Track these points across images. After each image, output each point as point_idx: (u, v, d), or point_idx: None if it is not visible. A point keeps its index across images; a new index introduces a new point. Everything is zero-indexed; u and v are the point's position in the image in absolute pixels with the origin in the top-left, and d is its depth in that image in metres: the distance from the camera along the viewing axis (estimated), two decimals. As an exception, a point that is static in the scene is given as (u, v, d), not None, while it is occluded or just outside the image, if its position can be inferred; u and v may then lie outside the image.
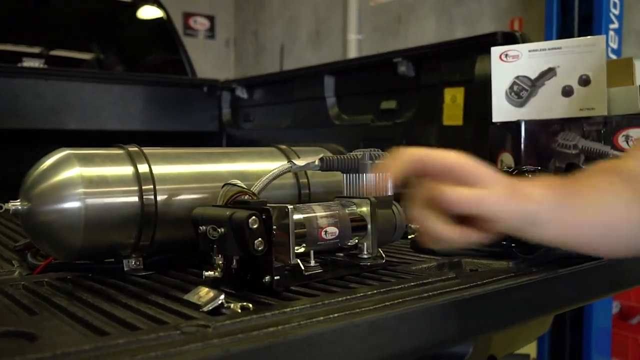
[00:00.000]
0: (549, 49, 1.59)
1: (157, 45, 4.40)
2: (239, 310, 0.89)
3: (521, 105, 1.61)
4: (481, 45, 2.32)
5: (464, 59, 2.35)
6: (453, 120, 2.48)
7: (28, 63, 3.70)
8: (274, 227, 1.04)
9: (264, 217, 0.99)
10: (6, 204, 1.09)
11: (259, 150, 1.42)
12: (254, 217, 0.96)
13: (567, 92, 1.57)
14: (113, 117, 3.50)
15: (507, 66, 1.63)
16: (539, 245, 1.19)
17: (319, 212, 1.13)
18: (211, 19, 11.97)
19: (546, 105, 1.59)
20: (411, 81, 2.68)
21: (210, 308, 0.89)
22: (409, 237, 1.44)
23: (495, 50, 1.65)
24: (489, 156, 1.85)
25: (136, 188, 1.16)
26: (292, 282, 1.05)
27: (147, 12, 4.29)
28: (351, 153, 1.25)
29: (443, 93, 2.52)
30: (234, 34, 12.10)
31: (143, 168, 1.18)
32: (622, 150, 1.57)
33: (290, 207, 1.07)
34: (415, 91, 2.68)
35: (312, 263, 1.10)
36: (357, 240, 1.19)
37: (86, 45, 4.31)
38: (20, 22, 3.97)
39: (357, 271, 1.15)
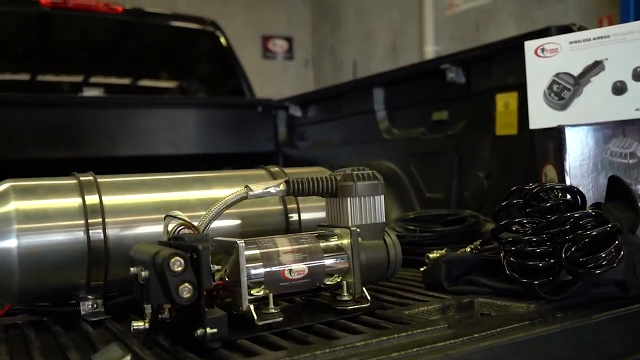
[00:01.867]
0: (594, 39, 1.31)
1: (216, 68, 4.37)
2: (146, 379, 0.71)
3: (563, 107, 1.34)
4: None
5: (516, 60, 2.08)
6: (506, 129, 2.20)
7: (88, 92, 3.76)
8: (222, 269, 0.86)
9: (194, 256, 0.81)
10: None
11: (242, 175, 1.25)
12: (176, 257, 0.78)
13: (619, 89, 1.28)
14: (167, 142, 3.47)
15: (544, 62, 1.36)
16: (570, 282, 0.93)
17: (282, 247, 0.94)
18: (289, 40, 12.06)
19: (594, 106, 1.31)
20: (462, 88, 2.42)
21: (108, 377, 0.72)
22: (421, 269, 1.21)
23: (530, 45, 1.39)
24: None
25: (82, 222, 1.02)
26: (239, 334, 0.86)
27: (207, 38, 4.27)
28: (332, 173, 1.05)
29: (495, 99, 2.25)
30: (312, 53, 12.12)
31: (92, 199, 1.04)
32: (695, 156, 1.26)
33: (240, 242, 0.89)
34: (467, 99, 2.43)
35: (272, 309, 0.90)
36: (338, 279, 0.99)
37: (147, 72, 4.35)
38: (80, 51, 4.06)
39: (332, 317, 0.94)
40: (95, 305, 1.07)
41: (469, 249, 1.16)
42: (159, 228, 1.03)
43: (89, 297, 1.07)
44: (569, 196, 1.01)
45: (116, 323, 1.01)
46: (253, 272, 0.90)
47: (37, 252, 0.98)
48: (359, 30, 10.94)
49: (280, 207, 1.20)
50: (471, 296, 1.04)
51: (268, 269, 0.91)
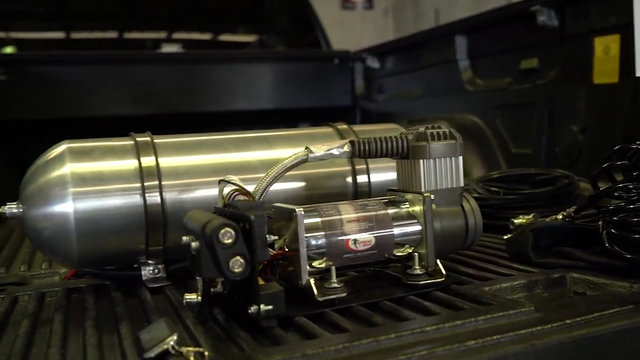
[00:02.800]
0: None
1: (292, 21, 4.26)
2: (191, 358, 0.65)
3: (679, 51, 1.15)
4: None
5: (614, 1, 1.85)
6: (606, 77, 1.98)
7: (166, 48, 3.77)
8: (282, 238, 0.79)
9: (246, 227, 0.73)
10: (2, 207, 0.96)
11: (308, 133, 1.16)
12: (226, 228, 0.71)
13: None
14: (244, 98, 3.44)
15: (657, -2, 1.17)
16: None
17: (346, 215, 0.85)
18: (369, -12, 11.71)
19: None
20: (554, 33, 2.20)
21: (153, 355, 0.66)
22: (505, 237, 1.08)
23: (639, -22, 1.19)
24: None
25: (138, 185, 0.97)
26: (298, 311, 0.79)
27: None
28: (403, 132, 0.93)
29: (593, 44, 2.02)
30: (392, 2, 11.72)
31: (148, 161, 0.99)
32: None
33: (298, 209, 0.81)
34: (560, 45, 2.20)
35: (334, 283, 0.82)
36: (410, 250, 0.89)
37: (224, 27, 4.30)
38: (156, 7, 4.06)
39: (401, 293, 0.85)
40: (156, 271, 1.03)
41: (560, 216, 1.02)
42: (216, 191, 0.97)
43: (150, 262, 1.03)
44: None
45: (175, 291, 0.97)
46: (313, 242, 0.82)
47: (93, 216, 0.94)
48: (442, -25, 10.43)
49: (348, 168, 1.10)
50: (562, 271, 0.91)
51: (330, 239, 0.82)
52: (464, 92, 2.72)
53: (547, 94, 2.24)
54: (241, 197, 0.82)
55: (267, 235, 0.78)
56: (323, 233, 0.82)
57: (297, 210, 0.80)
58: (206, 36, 4.35)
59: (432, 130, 0.90)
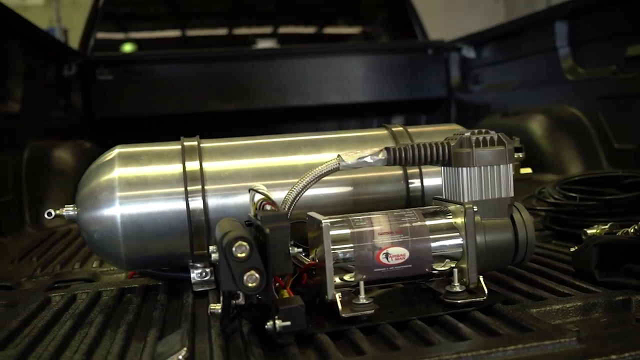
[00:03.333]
0: None
1: (386, 11, 4.18)
2: (195, 378, 0.65)
3: None
4: None
5: None
6: None
7: (262, 44, 3.83)
8: (310, 252, 0.76)
9: (259, 241, 0.71)
10: (59, 210, 1.01)
11: (360, 135, 1.11)
12: (240, 242, 0.69)
13: None
14: (335, 91, 3.43)
15: None
16: None
17: (378, 226, 0.80)
18: (478, -29, 11.26)
19: None
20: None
21: (159, 370, 0.66)
22: (572, 249, 0.98)
23: None
24: None
25: (181, 189, 0.98)
26: (321, 327, 0.76)
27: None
28: (446, 138, 0.87)
29: None
30: (503, -14, 11.19)
31: (193, 166, 1.00)
32: None
33: (325, 220, 0.77)
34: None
35: (362, 299, 0.78)
36: (452, 265, 0.83)
37: (316, 20, 4.31)
38: (255, 4, 4.14)
39: (436, 312, 0.79)
40: (204, 274, 1.04)
41: (632, 230, 0.91)
42: (260, 195, 0.95)
43: (197, 265, 1.04)
44: None
45: (217, 296, 0.97)
46: (342, 255, 0.78)
47: (138, 219, 0.96)
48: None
49: (400, 171, 1.05)
50: (628, 292, 0.81)
51: (359, 252, 0.78)
52: (563, 82, 2.54)
53: (656, 84, 2.04)
54: (268, 207, 0.80)
55: (291, 247, 0.76)
56: (352, 245, 0.78)
57: (323, 221, 0.77)
58: (301, 30, 4.38)
59: (478, 136, 0.83)
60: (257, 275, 0.70)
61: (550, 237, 1.23)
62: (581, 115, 2.39)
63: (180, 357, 0.66)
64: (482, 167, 0.82)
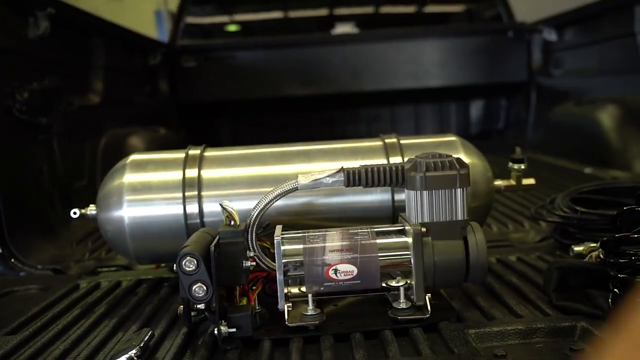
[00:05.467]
0: None
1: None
2: (138, 375, 0.75)
3: None
4: None
5: None
6: None
7: (340, 27, 3.87)
8: (262, 262, 0.85)
9: (207, 255, 0.80)
10: (84, 209, 1.15)
11: (351, 146, 1.15)
12: (188, 257, 0.79)
13: None
14: (409, 76, 3.44)
15: None
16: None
17: (330, 242, 0.86)
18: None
19: None
20: None
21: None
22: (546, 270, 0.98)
23: None
24: None
25: (179, 195, 1.08)
26: (267, 334, 0.84)
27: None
28: (404, 160, 0.90)
29: None
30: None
31: (192, 173, 1.10)
32: None
33: (278, 237, 0.85)
34: None
35: (310, 311, 0.85)
36: (406, 281, 0.87)
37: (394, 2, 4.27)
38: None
39: (379, 327, 0.84)
40: (203, 270, 1.15)
41: (595, 255, 0.90)
42: (252, 202, 1.04)
43: (199, 262, 1.14)
44: None
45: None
46: (292, 269, 0.85)
47: (141, 221, 1.08)
48: None
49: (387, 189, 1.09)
50: (574, 319, 0.81)
51: (309, 267, 0.85)
52: (640, 70, 2.38)
53: None
54: (231, 222, 0.89)
55: (244, 261, 0.84)
56: (302, 260, 0.85)
57: (275, 238, 0.84)
58: (380, 11, 4.35)
59: (431, 160, 0.86)
60: (204, 286, 0.79)
61: (558, 247, 1.22)
62: (657, 107, 2.25)
63: (131, 353, 0.77)
64: (434, 191, 0.85)
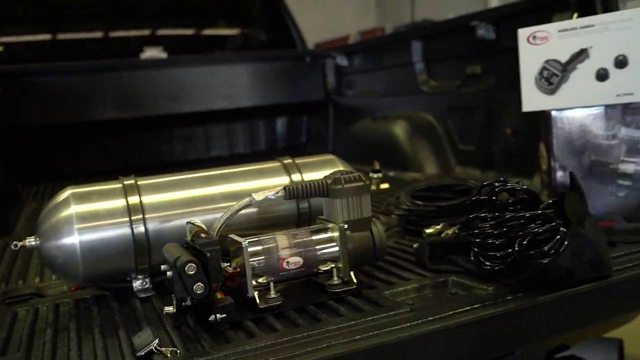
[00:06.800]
0: (580, 28, 1.39)
1: (267, 20, 4.49)
2: (168, 355, 0.97)
3: (552, 92, 1.45)
4: (554, 2, 2.09)
5: (540, 19, 2.13)
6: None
7: (148, 51, 4.01)
8: (229, 263, 1.10)
9: (204, 260, 1.04)
10: (22, 241, 1.26)
11: (260, 168, 1.45)
12: (190, 263, 1.02)
13: (601, 76, 1.38)
14: (222, 97, 3.70)
15: (536, 49, 1.46)
16: (523, 268, 1.10)
17: (281, 242, 1.16)
18: (349, -36, 11.84)
19: (579, 91, 1.41)
20: (492, 44, 2.49)
21: (142, 354, 0.98)
22: (414, 246, 1.40)
23: (523, 32, 1.49)
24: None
25: (126, 219, 1.27)
26: (245, 316, 1.10)
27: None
28: (323, 177, 1.24)
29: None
30: (372, -23, 11.87)
31: (134, 200, 1.29)
32: (675, 137, 1.36)
33: (245, 242, 1.12)
34: (496, 55, 2.49)
35: (272, 294, 1.13)
36: (332, 265, 1.20)
37: (203, 27, 4.53)
38: (139, 9, 4.30)
39: (323, 299, 1.16)
40: (144, 283, 1.34)
41: (451, 231, 1.34)
42: (188, 218, 1.27)
43: (139, 276, 1.33)
44: (526, 195, 1.16)
45: (158, 299, 1.28)
46: (256, 265, 1.13)
47: (94, 245, 1.24)
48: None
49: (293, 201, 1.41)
50: (446, 275, 1.23)
51: (269, 262, 1.13)
52: (419, 92, 3.01)
53: (486, 99, 2.54)
54: (202, 235, 1.13)
55: (222, 264, 1.09)
56: (263, 257, 1.13)
57: (243, 243, 1.11)
58: (186, 36, 4.57)
59: (346, 176, 1.21)
60: (202, 284, 1.03)
61: (405, 233, 1.65)
62: (434, 121, 2.87)
63: (155, 343, 0.98)
64: (349, 198, 1.20)
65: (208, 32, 4.55)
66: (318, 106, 3.94)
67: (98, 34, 4.27)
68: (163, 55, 3.99)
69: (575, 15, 2.00)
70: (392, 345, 0.95)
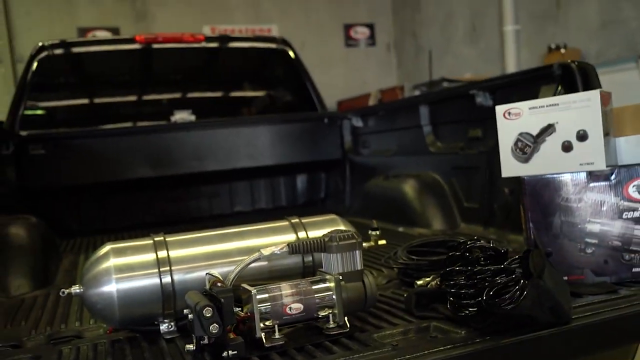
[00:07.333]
0: (547, 106, 1.62)
1: (288, 83, 4.82)
2: (188, 384, 1.18)
3: (526, 160, 1.66)
4: (542, 76, 2.32)
5: (529, 89, 2.36)
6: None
7: (178, 114, 4.34)
8: (241, 308, 1.32)
9: (219, 305, 1.26)
10: (68, 289, 1.49)
11: (271, 227, 1.68)
12: (207, 307, 1.24)
13: (566, 147, 1.59)
14: (245, 156, 3.98)
15: (511, 123, 1.68)
16: (491, 314, 1.29)
17: (285, 291, 1.37)
18: (371, 26, 12.34)
19: (548, 160, 1.62)
20: (490, 110, 2.71)
21: (167, 384, 1.19)
22: (405, 295, 1.59)
23: (500, 109, 1.71)
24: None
25: (156, 271, 1.50)
26: (252, 354, 1.31)
27: (278, 55, 4.69)
28: (322, 235, 1.46)
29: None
30: (394, 37, 12.33)
31: (162, 254, 1.52)
32: (633, 200, 1.55)
33: (254, 290, 1.33)
34: (495, 120, 2.71)
35: (277, 335, 1.34)
36: (329, 311, 1.40)
37: (229, 91, 4.87)
38: (170, 78, 4.66)
39: (320, 340, 1.36)
40: (170, 326, 1.56)
41: (434, 283, 1.53)
42: (210, 270, 1.49)
43: (165, 320, 1.55)
44: (493, 252, 1.37)
45: (182, 340, 1.49)
46: (263, 310, 1.34)
47: (129, 293, 1.47)
48: (439, 12, 11.02)
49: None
50: (429, 321, 1.42)
51: (274, 308, 1.34)
52: (427, 153, 3.24)
53: (487, 160, 2.75)
54: (219, 284, 1.35)
55: (234, 309, 1.31)
56: (269, 304, 1.34)
57: (252, 291, 1.33)
58: (213, 99, 4.90)
59: (340, 234, 1.42)
60: (217, 325, 1.24)
61: (402, 284, 1.84)
62: (441, 180, 3.09)
63: (177, 375, 1.19)
64: (344, 253, 1.41)
65: (233, 94, 4.88)
66: (336, 164, 4.18)
67: (132, 98, 4.63)
68: (191, 118, 4.32)
69: (560, 87, 2.23)
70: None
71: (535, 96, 2.28)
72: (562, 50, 8.10)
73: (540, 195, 1.62)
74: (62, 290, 1.49)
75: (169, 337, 1.53)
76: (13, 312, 1.99)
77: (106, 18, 10.27)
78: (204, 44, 4.48)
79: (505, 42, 8.69)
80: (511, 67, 8.20)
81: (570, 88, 2.15)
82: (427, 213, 3.05)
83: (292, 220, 1.69)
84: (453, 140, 3.09)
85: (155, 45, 4.37)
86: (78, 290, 1.49)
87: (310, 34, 11.43)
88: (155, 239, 1.57)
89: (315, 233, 1.65)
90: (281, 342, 1.33)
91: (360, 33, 12.45)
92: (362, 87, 10.90)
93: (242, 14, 11.11)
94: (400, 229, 3.00)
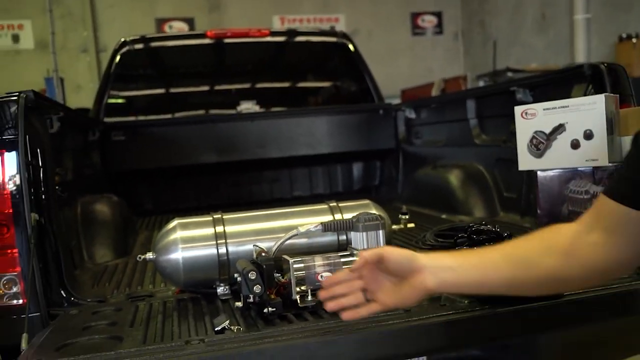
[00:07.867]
0: (559, 107, 1.80)
1: (348, 77, 5.05)
2: (235, 330, 1.48)
3: (540, 156, 1.85)
4: (575, 75, 2.46)
5: (565, 87, 2.51)
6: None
7: (244, 104, 4.67)
8: (282, 275, 1.61)
9: (262, 270, 1.55)
10: (144, 255, 1.83)
11: (311, 209, 1.96)
12: (252, 271, 1.53)
13: (574, 145, 1.77)
14: (305, 145, 4.25)
15: (527, 122, 1.88)
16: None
17: (317, 262, 1.64)
18: (438, 15, 12.34)
19: (559, 156, 1.81)
20: (530, 106, 2.87)
21: (218, 328, 1.49)
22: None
23: (518, 109, 1.91)
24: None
25: (214, 243, 1.81)
26: (288, 311, 1.59)
27: (341, 51, 4.92)
28: (352, 217, 1.72)
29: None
30: (461, 26, 12.28)
31: (220, 229, 1.83)
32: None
33: (291, 260, 1.61)
34: (533, 115, 2.87)
35: (309, 298, 1.62)
36: (355, 280, 1.66)
37: (291, 83, 5.16)
38: (238, 71, 5.00)
39: (346, 304, 1.63)
40: (224, 289, 1.86)
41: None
42: (260, 244, 1.78)
43: (221, 284, 1.86)
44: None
45: (233, 301, 1.79)
46: (298, 277, 1.62)
47: (192, 260, 1.79)
48: (508, 1, 10.88)
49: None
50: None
51: (308, 275, 1.62)
52: (473, 144, 3.41)
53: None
54: (263, 254, 1.64)
55: (275, 274, 1.59)
56: (304, 272, 1.62)
57: (290, 261, 1.61)
58: (276, 90, 5.20)
59: (366, 216, 1.68)
60: (260, 286, 1.53)
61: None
62: (484, 171, 3.26)
63: (227, 323, 1.49)
64: (369, 232, 1.67)
65: (296, 86, 5.16)
66: (390, 153, 4.39)
67: (202, 89, 5.00)
68: (256, 108, 4.64)
69: (590, 87, 2.38)
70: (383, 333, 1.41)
71: (568, 94, 2.43)
72: (634, 40, 7.92)
73: (551, 187, 1.81)
74: (139, 256, 1.83)
75: (224, 298, 1.84)
76: (99, 276, 2.36)
77: (182, 9, 10.82)
78: (268, 39, 4.78)
79: (575, 31, 8.51)
80: (580, 58, 8.07)
81: (600, 88, 2.30)
82: (470, 201, 3.24)
83: (330, 204, 1.96)
84: (496, 134, 3.25)
85: (225, 40, 4.71)
86: (151, 257, 1.82)
87: (377, 23, 11.56)
88: (214, 216, 1.88)
89: (349, 215, 1.91)
90: (312, 303, 1.61)
91: (428, 21, 12.43)
92: (428, 75, 10.94)
93: (311, 4, 11.39)
94: (444, 216, 3.21)
